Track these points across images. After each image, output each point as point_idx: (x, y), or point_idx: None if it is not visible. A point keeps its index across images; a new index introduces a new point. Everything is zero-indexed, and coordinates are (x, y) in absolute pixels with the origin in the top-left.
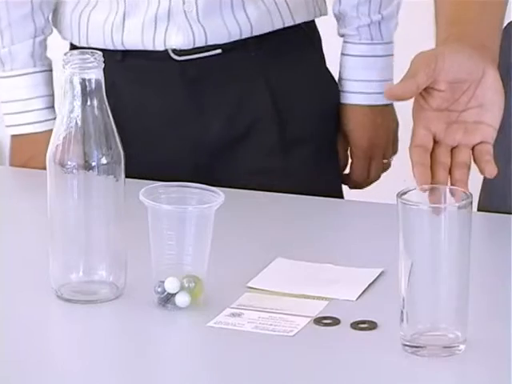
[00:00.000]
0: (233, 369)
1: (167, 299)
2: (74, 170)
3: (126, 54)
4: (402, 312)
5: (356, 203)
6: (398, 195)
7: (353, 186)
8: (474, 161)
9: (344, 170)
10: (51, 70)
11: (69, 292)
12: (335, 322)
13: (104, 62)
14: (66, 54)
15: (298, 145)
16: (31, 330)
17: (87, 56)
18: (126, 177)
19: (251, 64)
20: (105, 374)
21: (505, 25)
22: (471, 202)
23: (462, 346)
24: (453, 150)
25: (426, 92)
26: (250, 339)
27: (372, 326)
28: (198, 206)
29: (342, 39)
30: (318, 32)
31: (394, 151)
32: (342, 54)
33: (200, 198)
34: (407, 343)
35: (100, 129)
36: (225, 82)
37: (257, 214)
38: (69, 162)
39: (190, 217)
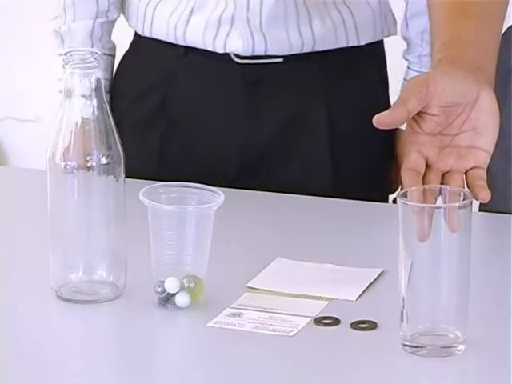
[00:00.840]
0: (233, 369)
1: (167, 299)
2: (74, 170)
3: (188, 50)
4: (401, 312)
5: (356, 203)
6: (398, 195)
7: None
8: (467, 185)
9: (394, 192)
10: (112, 55)
11: (69, 292)
12: (335, 322)
13: (166, 52)
14: (66, 54)
15: (348, 166)
16: (31, 330)
17: (87, 56)
18: (166, 168)
19: (312, 76)
20: (105, 374)
21: (504, 29)
22: (471, 202)
23: (461, 346)
24: (445, 174)
25: (418, 116)
26: (249, 339)
27: (372, 325)
28: (198, 205)
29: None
30: (384, 53)
31: None
32: (404, 79)
33: (200, 198)
34: (407, 343)
35: (100, 129)
36: (284, 89)
37: (257, 214)
38: (69, 162)
39: (190, 217)
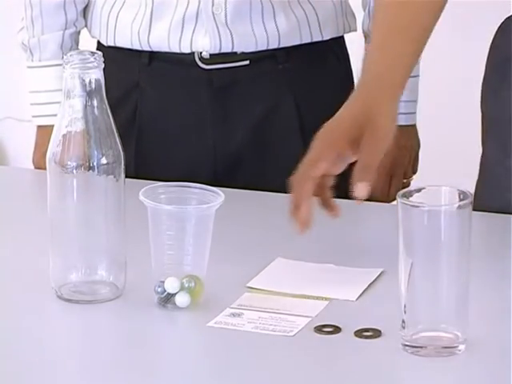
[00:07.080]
0: (233, 369)
1: (167, 299)
2: (74, 170)
3: (153, 57)
4: (402, 312)
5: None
6: (398, 195)
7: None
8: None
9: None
10: None
11: (69, 292)
12: (336, 330)
13: (130, 63)
14: (66, 54)
15: None
16: (31, 330)
17: (87, 56)
18: (143, 177)
19: (279, 77)
20: (105, 374)
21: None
22: (471, 202)
23: (461, 346)
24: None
25: None
26: (249, 339)
27: (374, 332)
28: (198, 205)
29: None
30: (346, 48)
31: (414, 171)
32: None
33: (200, 197)
34: (407, 343)
35: (100, 129)
36: (252, 93)
37: (257, 214)
38: (69, 162)
39: (190, 217)
